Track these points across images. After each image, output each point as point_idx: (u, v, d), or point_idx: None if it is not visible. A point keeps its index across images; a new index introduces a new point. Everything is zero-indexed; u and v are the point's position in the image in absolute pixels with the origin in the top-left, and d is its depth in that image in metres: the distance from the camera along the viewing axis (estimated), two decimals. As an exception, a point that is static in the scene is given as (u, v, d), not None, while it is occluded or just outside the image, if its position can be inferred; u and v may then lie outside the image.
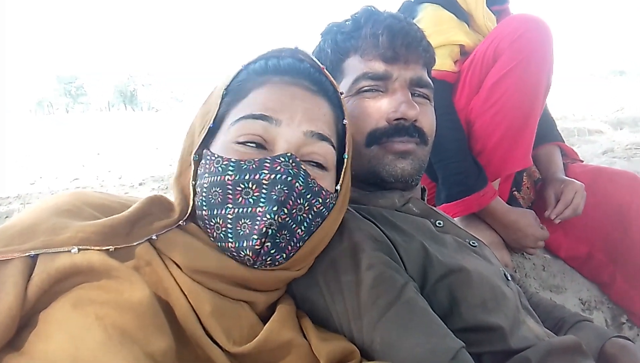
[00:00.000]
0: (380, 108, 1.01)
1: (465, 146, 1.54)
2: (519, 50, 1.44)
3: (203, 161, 0.78)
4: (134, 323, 0.61)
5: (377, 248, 0.84)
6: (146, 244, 0.72)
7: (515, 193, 1.77)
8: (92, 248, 0.66)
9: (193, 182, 0.78)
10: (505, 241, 1.65)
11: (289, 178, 0.72)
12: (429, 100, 1.07)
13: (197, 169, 0.80)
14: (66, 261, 0.63)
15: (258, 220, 0.71)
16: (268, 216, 0.70)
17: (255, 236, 0.70)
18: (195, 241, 0.75)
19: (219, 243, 0.75)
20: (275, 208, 0.70)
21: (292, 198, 0.73)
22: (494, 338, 0.84)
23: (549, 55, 1.46)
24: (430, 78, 1.08)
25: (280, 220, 0.72)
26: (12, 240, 0.64)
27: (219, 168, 0.74)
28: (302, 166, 0.76)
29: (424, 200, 1.13)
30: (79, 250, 0.65)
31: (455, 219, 1.54)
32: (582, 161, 1.92)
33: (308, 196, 0.76)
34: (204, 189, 0.76)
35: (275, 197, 0.71)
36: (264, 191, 0.72)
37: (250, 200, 0.72)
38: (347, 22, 1.09)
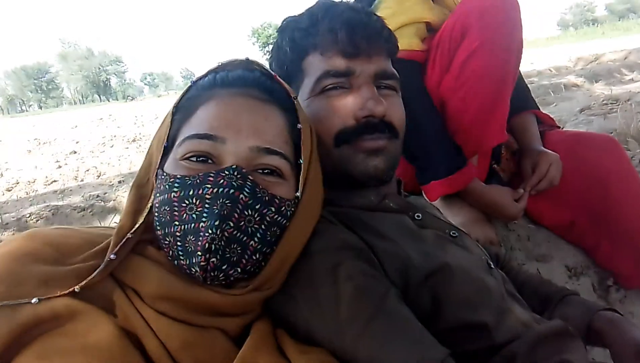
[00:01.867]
0: (347, 106, 0.97)
1: (441, 127, 1.52)
2: (486, 24, 1.39)
3: (157, 182, 0.77)
4: None
5: (355, 256, 0.82)
6: (109, 278, 0.71)
7: (495, 166, 1.75)
8: (55, 295, 0.64)
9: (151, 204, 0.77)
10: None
11: (232, 191, 0.70)
12: (395, 90, 1.04)
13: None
14: (29, 313, 0.61)
15: (201, 236, 0.69)
16: (210, 231, 0.68)
17: (200, 253, 0.68)
18: (155, 267, 0.73)
19: (175, 261, 0.73)
20: (217, 223, 0.68)
21: (238, 210, 0.71)
22: (479, 335, 0.83)
23: (517, 26, 1.42)
24: (394, 67, 1.05)
25: (226, 234, 0.70)
26: None
27: (166, 186, 0.74)
28: (250, 177, 0.73)
29: (400, 193, 1.10)
30: (40, 300, 0.62)
31: (436, 201, 1.53)
32: (560, 128, 1.91)
33: (257, 207, 0.73)
34: (156, 209, 0.75)
35: (217, 211, 0.69)
36: (207, 205, 0.70)
37: (194, 216, 0.70)
38: (303, 17, 1.05)
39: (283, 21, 1.08)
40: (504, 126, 1.52)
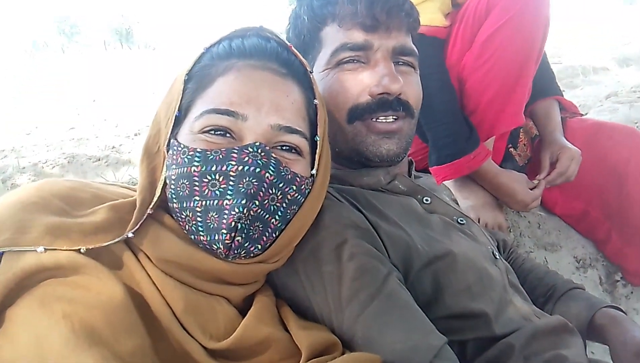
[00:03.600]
0: (362, 82, 0.94)
1: (455, 107, 1.47)
2: (512, 1, 1.34)
3: (171, 152, 0.75)
4: (102, 322, 0.61)
5: (360, 236, 0.81)
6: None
7: (512, 150, 1.72)
8: (61, 248, 0.64)
9: (166, 173, 0.75)
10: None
11: (258, 169, 0.69)
12: (413, 68, 1.01)
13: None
14: (32, 260, 0.62)
15: (226, 214, 0.69)
16: (237, 210, 0.68)
17: (225, 231, 0.68)
18: (167, 233, 0.73)
19: (192, 236, 0.73)
20: (243, 201, 0.68)
21: (263, 189, 0.70)
22: (478, 324, 0.83)
23: (545, 5, 1.36)
24: (414, 43, 1.01)
25: (251, 213, 0.69)
26: None
27: (185, 159, 0.72)
28: (273, 155, 0.72)
29: (411, 174, 1.08)
30: (46, 250, 0.63)
31: (447, 182, 1.51)
32: (582, 115, 1.86)
33: (281, 185, 0.73)
34: (172, 182, 0.73)
35: (243, 190, 0.68)
36: (231, 183, 0.69)
37: (217, 192, 0.70)
38: None
39: None
40: (521, 110, 1.47)
